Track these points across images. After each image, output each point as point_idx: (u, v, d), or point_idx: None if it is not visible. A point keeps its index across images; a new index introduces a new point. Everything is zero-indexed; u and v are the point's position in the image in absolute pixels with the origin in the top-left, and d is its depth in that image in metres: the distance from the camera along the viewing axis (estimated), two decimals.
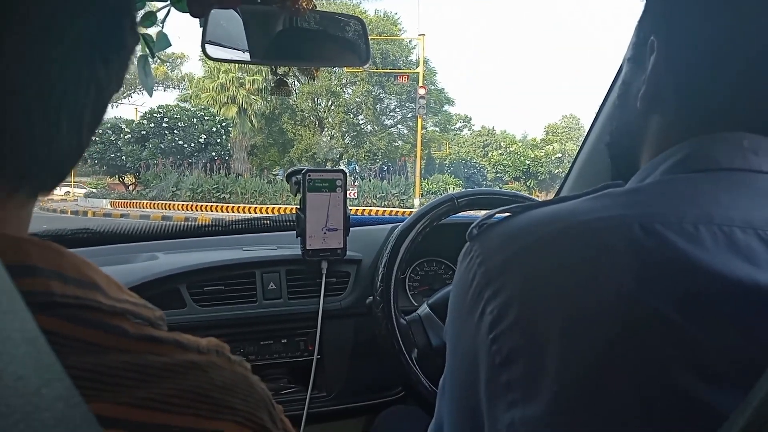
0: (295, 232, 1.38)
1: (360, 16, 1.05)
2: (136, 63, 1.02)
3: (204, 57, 0.95)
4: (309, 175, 1.34)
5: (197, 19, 0.96)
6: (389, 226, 1.46)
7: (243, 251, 1.43)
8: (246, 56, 0.98)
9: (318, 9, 0.99)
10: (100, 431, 0.28)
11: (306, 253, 1.34)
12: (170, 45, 1.02)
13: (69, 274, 0.35)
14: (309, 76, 1.04)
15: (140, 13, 0.95)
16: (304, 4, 0.95)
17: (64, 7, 0.35)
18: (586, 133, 1.36)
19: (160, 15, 0.97)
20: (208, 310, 1.28)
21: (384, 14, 26.87)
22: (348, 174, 1.42)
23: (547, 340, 0.43)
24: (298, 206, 1.36)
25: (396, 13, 29.70)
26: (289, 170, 1.42)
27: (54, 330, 0.31)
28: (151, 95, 0.98)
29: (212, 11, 0.92)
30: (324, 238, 1.35)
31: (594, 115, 1.34)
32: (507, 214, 0.53)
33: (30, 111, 0.34)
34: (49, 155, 0.37)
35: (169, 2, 0.95)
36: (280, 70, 1.03)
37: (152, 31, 0.99)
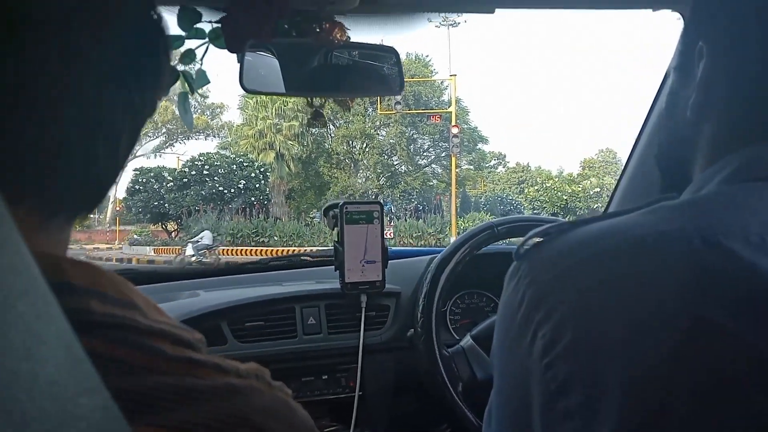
0: (333, 266, 1.37)
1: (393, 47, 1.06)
2: (176, 100, 1.05)
3: (242, 92, 0.97)
4: (346, 208, 1.34)
5: (234, 55, 0.99)
6: (428, 257, 1.44)
7: (282, 286, 1.42)
8: (282, 88, 0.99)
9: (351, 41, 1.00)
10: None
11: (345, 287, 1.33)
12: (209, 82, 1.05)
13: (108, 293, 0.35)
14: (344, 106, 1.05)
15: (180, 51, 0.99)
16: (338, 35, 0.96)
17: (101, 36, 0.36)
18: (632, 147, 1.32)
19: (199, 52, 1.00)
20: (249, 346, 1.27)
21: (416, 57, 27.46)
22: (384, 214, 1.42)
23: (608, 364, 0.40)
24: (336, 240, 1.36)
25: (427, 56, 30.25)
26: (326, 205, 1.42)
27: (91, 349, 0.31)
28: (191, 130, 1.01)
29: (248, 46, 0.94)
30: (362, 271, 1.34)
31: (638, 130, 1.30)
32: (555, 231, 0.50)
33: (67, 136, 0.35)
34: (86, 180, 0.37)
35: (207, 39, 0.98)
36: (316, 102, 1.04)
37: (191, 68, 1.02)
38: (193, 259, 14.66)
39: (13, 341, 0.21)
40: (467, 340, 1.24)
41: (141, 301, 0.37)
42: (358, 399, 1.30)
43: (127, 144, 0.40)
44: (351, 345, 1.33)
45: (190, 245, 15.66)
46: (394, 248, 1.51)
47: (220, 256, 15.80)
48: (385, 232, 1.38)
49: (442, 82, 26.55)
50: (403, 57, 1.07)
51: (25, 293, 0.23)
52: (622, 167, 1.39)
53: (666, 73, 1.12)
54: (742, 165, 0.48)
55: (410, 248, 1.90)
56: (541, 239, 0.50)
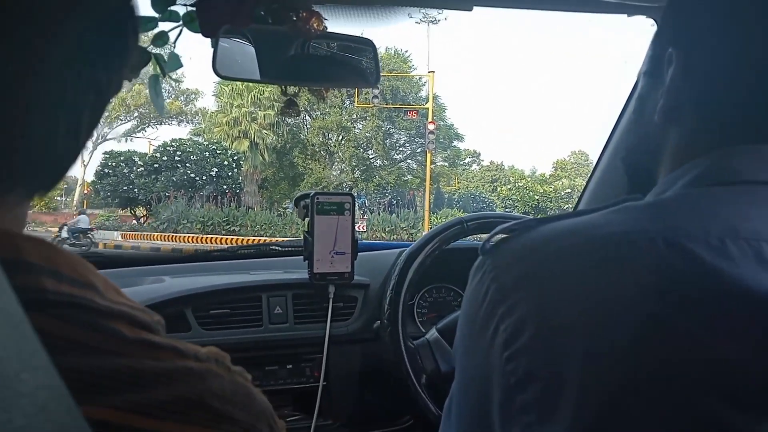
0: (302, 257, 1.37)
1: (370, 39, 1.06)
2: (147, 83, 1.04)
3: (217, 78, 0.97)
4: (317, 198, 1.33)
5: (209, 40, 0.98)
6: (397, 250, 1.45)
7: (250, 275, 1.41)
8: (256, 75, 0.98)
9: (329, 31, 1.00)
10: (86, 428, 0.26)
11: (313, 277, 1.33)
12: (182, 65, 1.04)
13: (64, 272, 0.34)
14: (319, 96, 1.05)
15: (152, 33, 0.97)
16: (315, 25, 0.96)
17: (64, 9, 0.35)
18: (601, 150, 1.35)
19: (172, 35, 0.98)
20: (213, 334, 1.26)
21: (395, 51, 27.42)
22: (357, 207, 1.42)
23: (566, 360, 0.41)
24: (306, 230, 1.36)
25: (406, 51, 30.21)
26: (298, 195, 1.42)
27: (45, 329, 0.30)
28: (162, 114, 0.99)
29: (223, 31, 0.93)
30: (332, 262, 1.34)
31: (608, 134, 1.33)
32: (521, 227, 0.50)
33: (27, 111, 0.34)
34: (46, 156, 0.36)
35: (181, 22, 0.96)
36: (290, 90, 1.04)
37: (164, 51, 1.00)
38: (68, 242, 14.67)
39: None
40: (432, 333, 1.26)
41: (99, 281, 0.37)
42: (322, 389, 1.30)
43: (90, 122, 0.39)
44: (317, 335, 1.33)
45: (65, 227, 15.56)
46: (364, 241, 1.51)
47: (94, 241, 15.84)
48: (357, 225, 1.38)
49: (420, 78, 26.59)
50: (382, 51, 1.08)
51: None
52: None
53: (636, 78, 1.14)
54: (705, 170, 0.49)
55: (380, 242, 1.91)
56: (507, 235, 0.51)
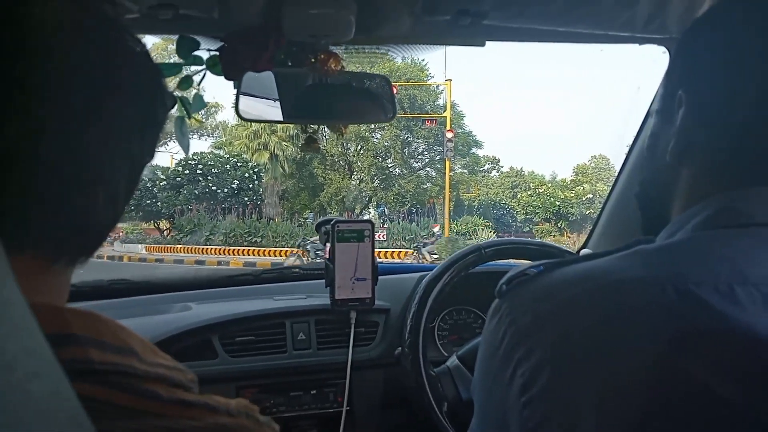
0: (323, 280, 1.39)
1: (385, 75, 1.09)
2: (173, 123, 1.08)
3: (238, 117, 1.01)
4: (337, 226, 1.36)
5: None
6: (417, 275, 1.47)
7: (273, 301, 1.44)
8: (277, 116, 1.02)
9: (345, 70, 1.03)
10: None
11: (335, 303, 1.35)
12: (205, 106, 1.08)
13: (107, 341, 0.37)
14: (338, 132, 1.08)
15: (178, 77, 1.01)
16: (332, 65, 0.99)
17: (101, 87, 0.38)
18: (614, 181, 1.36)
19: (196, 78, 1.02)
20: (239, 361, 1.30)
21: (411, 61, 27.38)
22: (377, 216, 1.44)
23: (582, 406, 0.42)
24: (327, 257, 1.38)
25: (423, 60, 30.02)
26: (319, 220, 1.45)
27: (92, 396, 0.33)
28: (187, 153, 1.02)
29: (246, 74, 0.96)
30: (353, 288, 1.36)
31: (622, 162, 1.34)
32: (536, 270, 0.52)
33: (68, 185, 0.36)
34: (86, 226, 0.39)
35: (204, 66, 1.00)
36: (310, 128, 1.07)
37: (188, 93, 1.04)
38: None
39: (29, 424, 0.23)
40: (453, 360, 1.27)
41: (138, 345, 0.39)
42: (345, 414, 1.32)
43: (126, 191, 0.42)
44: (340, 361, 1.35)
45: None
46: (383, 264, 1.53)
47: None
48: (377, 234, 1.40)
49: (437, 87, 26.56)
50: (398, 61, 1.10)
51: (38, 375, 0.25)
52: (615, 175, 1.42)
53: (648, 113, 1.16)
54: (716, 212, 0.50)
55: (400, 264, 1.92)
56: (522, 279, 0.52)
